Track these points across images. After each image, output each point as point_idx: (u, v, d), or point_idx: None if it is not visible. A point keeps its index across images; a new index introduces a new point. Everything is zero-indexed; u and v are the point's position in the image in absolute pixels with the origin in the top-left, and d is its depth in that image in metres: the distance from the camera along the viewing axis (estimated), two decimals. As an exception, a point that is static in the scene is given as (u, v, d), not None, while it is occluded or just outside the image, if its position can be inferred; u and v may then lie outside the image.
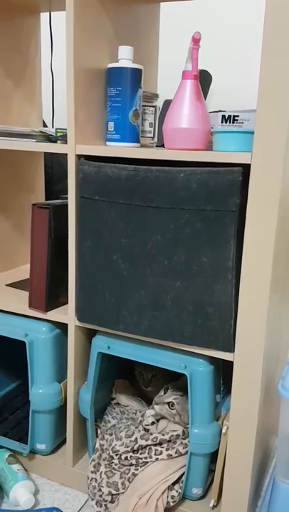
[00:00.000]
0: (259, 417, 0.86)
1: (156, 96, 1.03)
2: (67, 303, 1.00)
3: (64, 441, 1.11)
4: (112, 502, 0.96)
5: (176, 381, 1.04)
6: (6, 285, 1.18)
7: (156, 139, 1.06)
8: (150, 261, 0.85)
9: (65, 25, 0.86)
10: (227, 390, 0.98)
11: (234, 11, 1.56)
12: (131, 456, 0.98)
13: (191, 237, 0.81)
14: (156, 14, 1.15)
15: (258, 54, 0.72)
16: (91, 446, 1.05)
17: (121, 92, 0.91)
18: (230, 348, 0.85)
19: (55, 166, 1.50)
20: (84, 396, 1.03)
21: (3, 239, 1.27)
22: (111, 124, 0.94)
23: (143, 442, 0.98)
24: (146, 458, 0.98)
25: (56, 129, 0.98)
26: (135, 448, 0.98)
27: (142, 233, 0.85)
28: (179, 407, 0.99)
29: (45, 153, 1.40)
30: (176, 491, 0.96)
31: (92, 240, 0.91)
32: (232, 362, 0.85)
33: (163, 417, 1.04)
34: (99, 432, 1.06)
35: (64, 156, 0.93)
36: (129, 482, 0.97)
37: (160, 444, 0.99)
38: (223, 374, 0.96)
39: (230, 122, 0.93)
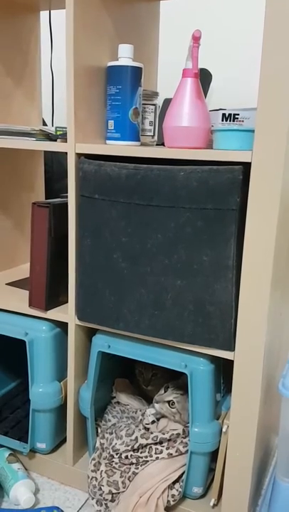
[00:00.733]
0: (259, 415, 0.86)
1: (156, 94, 1.03)
2: (67, 302, 1.00)
3: (64, 440, 1.11)
4: (112, 501, 0.96)
5: (177, 380, 1.04)
6: (6, 284, 1.17)
7: (156, 138, 1.05)
8: (150, 260, 0.85)
9: (64, 24, 0.85)
10: (227, 389, 0.98)
11: (234, 9, 1.55)
12: (131, 455, 0.98)
13: (192, 236, 0.81)
14: (157, 12, 1.15)
15: (259, 52, 0.72)
16: (91, 445, 1.05)
17: (121, 91, 0.91)
18: (230, 346, 0.85)
19: (55, 164, 1.50)
20: (84, 395, 1.03)
21: (3, 238, 1.27)
22: (111, 123, 0.94)
23: (143, 441, 0.98)
24: (146, 457, 0.98)
25: (56, 127, 0.98)
26: (135, 447, 0.98)
27: (142, 232, 0.85)
28: (179, 406, 0.99)
29: (45, 151, 1.39)
30: (177, 490, 0.96)
31: (93, 238, 0.90)
32: (232, 361, 0.85)
33: (163, 416, 1.04)
34: (99, 430, 1.06)
35: (64, 155, 0.92)
36: (130, 481, 0.97)
37: (160, 443, 0.99)
38: (224, 373, 0.96)
39: (230, 121, 0.92)
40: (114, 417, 1.09)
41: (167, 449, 0.98)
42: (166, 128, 0.88)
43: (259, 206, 0.76)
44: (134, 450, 0.99)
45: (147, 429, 1.02)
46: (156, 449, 0.99)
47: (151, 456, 0.98)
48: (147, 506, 0.93)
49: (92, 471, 1.00)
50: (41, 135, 0.99)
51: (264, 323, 0.81)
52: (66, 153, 0.91)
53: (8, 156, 1.24)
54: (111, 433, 1.03)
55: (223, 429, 0.91)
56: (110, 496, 0.96)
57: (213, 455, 0.95)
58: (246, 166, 0.77)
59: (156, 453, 0.98)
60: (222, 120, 0.93)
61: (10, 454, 1.08)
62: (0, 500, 1.02)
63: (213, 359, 0.91)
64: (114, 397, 1.14)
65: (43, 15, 1.29)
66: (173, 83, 0.94)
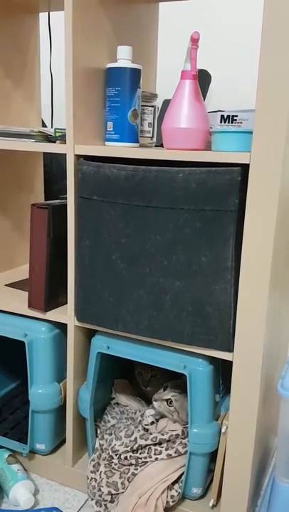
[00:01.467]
0: (258, 416, 0.86)
1: (155, 96, 1.03)
2: (66, 303, 1.00)
3: (63, 441, 1.11)
4: (111, 502, 0.96)
5: (176, 380, 1.04)
6: (6, 285, 1.18)
7: (155, 139, 1.06)
8: (149, 261, 0.85)
9: (63, 25, 0.85)
10: (226, 390, 0.98)
11: (233, 10, 1.56)
12: (130, 456, 0.98)
13: (190, 237, 0.81)
14: (155, 14, 1.15)
15: (257, 54, 0.72)
16: (91, 446, 1.05)
17: (120, 92, 0.91)
18: (229, 347, 0.85)
19: (54, 166, 1.50)
20: (83, 396, 1.03)
21: (3, 239, 1.27)
22: (110, 124, 0.94)
23: (142, 442, 0.98)
24: (145, 458, 0.98)
25: (55, 129, 0.98)
26: (135, 448, 0.98)
27: (141, 233, 0.85)
28: (177, 404, 1.00)
29: (44, 153, 1.40)
30: (176, 491, 0.96)
31: (92, 239, 0.91)
32: (231, 361, 0.85)
33: (162, 417, 1.04)
34: (98, 431, 1.06)
35: (63, 156, 0.93)
36: (129, 482, 0.97)
37: (160, 443, 0.99)
38: (223, 374, 0.96)
39: (229, 122, 0.93)
40: (113, 418, 1.09)
41: (166, 449, 0.98)
42: (165, 129, 0.88)
43: (257, 207, 0.77)
44: (133, 451, 0.99)
45: (146, 430, 1.02)
46: (156, 449, 0.99)
47: (150, 456, 0.98)
48: (146, 507, 0.93)
49: (92, 471, 1.00)
50: (40, 136, 1.00)
51: (263, 324, 0.81)
52: (65, 154, 0.92)
53: (8, 158, 1.24)
54: (110, 434, 1.03)
55: (222, 430, 0.91)
56: (110, 496, 0.96)
57: (213, 456, 0.95)
58: (245, 168, 0.77)
59: (155, 454, 0.98)
60: (220, 122, 0.93)
61: (9, 455, 1.08)
62: (0, 501, 1.03)
63: (212, 360, 0.91)
64: (114, 398, 1.14)
65: (42, 16, 1.29)
66: (172, 85, 0.94)
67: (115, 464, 0.99)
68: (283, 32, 0.70)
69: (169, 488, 0.96)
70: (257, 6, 1.50)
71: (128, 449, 0.98)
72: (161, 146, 0.92)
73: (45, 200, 1.41)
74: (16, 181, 1.28)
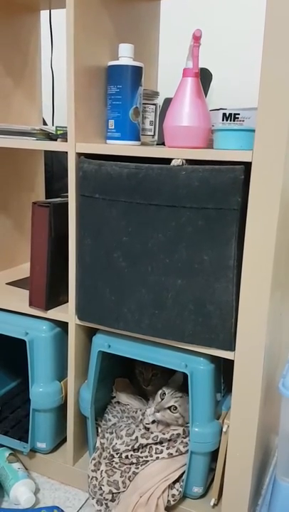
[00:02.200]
0: (260, 415, 0.86)
1: (156, 94, 1.03)
2: (67, 301, 1.00)
3: (64, 440, 1.11)
4: (112, 501, 0.96)
5: (170, 383, 1.02)
6: (7, 283, 1.17)
7: (156, 137, 1.05)
8: (151, 259, 0.85)
9: (65, 23, 0.85)
10: (228, 389, 0.98)
11: (235, 8, 1.55)
12: (131, 455, 0.98)
13: (193, 236, 0.81)
14: (157, 12, 1.15)
15: (259, 52, 0.72)
16: (91, 444, 1.05)
17: (121, 90, 0.91)
18: (230, 346, 0.85)
19: (55, 164, 1.50)
20: (84, 395, 1.03)
21: (4, 237, 1.27)
22: (111, 122, 0.94)
23: (144, 441, 0.98)
24: (146, 457, 0.98)
25: (56, 127, 0.98)
26: (136, 447, 0.98)
27: (143, 231, 0.85)
28: (181, 409, 0.99)
29: (45, 151, 1.39)
30: (177, 490, 0.96)
31: (93, 238, 0.90)
32: (233, 360, 0.85)
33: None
34: (99, 430, 1.06)
35: (64, 154, 0.92)
36: (130, 481, 0.97)
37: (161, 442, 0.99)
38: (224, 372, 0.96)
39: (231, 120, 0.92)
40: (114, 417, 1.09)
41: (167, 448, 0.98)
42: (167, 127, 0.88)
43: (259, 206, 0.76)
44: (134, 450, 0.99)
45: (147, 429, 1.02)
46: (157, 448, 0.99)
47: (151, 456, 0.98)
48: (147, 506, 0.93)
49: (93, 470, 1.00)
50: (41, 134, 0.99)
51: (264, 323, 0.81)
52: (66, 152, 0.91)
53: (9, 156, 1.24)
54: (111, 433, 1.03)
55: (224, 429, 0.91)
56: (110, 495, 0.96)
57: (214, 455, 0.95)
58: (247, 166, 0.77)
59: (156, 453, 0.98)
60: (222, 120, 0.93)
61: (10, 454, 1.08)
62: (0, 499, 1.02)
63: (214, 359, 0.91)
64: (115, 397, 1.14)
65: (44, 14, 1.29)
66: (173, 83, 0.94)
67: (116, 463, 0.99)
68: (286, 30, 0.69)
69: (170, 487, 0.96)
70: (259, 4, 1.49)
71: (129, 448, 0.98)
72: (163, 144, 0.92)
73: (46, 198, 1.41)
74: (16, 179, 1.28)
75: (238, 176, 0.76)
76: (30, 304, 1.02)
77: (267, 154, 0.74)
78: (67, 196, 0.95)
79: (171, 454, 0.98)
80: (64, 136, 0.95)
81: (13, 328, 1.04)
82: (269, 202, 0.76)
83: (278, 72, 0.71)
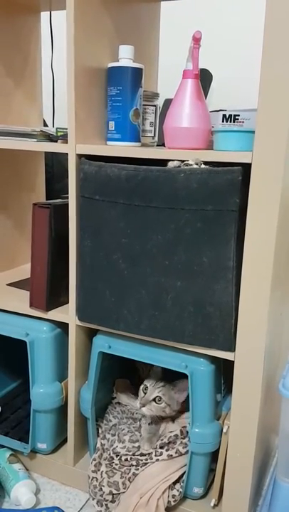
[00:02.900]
0: (260, 416, 0.86)
1: (156, 95, 1.03)
2: (67, 302, 1.00)
3: (65, 441, 1.11)
4: (112, 501, 0.96)
5: (149, 376, 1.02)
6: (7, 284, 1.18)
7: (156, 138, 1.06)
8: (150, 260, 0.85)
9: (65, 24, 0.85)
10: (228, 390, 0.98)
11: (235, 9, 1.55)
12: (131, 458, 0.98)
13: (192, 237, 0.81)
14: (157, 13, 1.15)
15: (259, 53, 0.72)
16: (92, 445, 1.05)
17: (121, 92, 0.91)
18: (230, 347, 0.85)
19: (55, 165, 1.50)
20: (85, 395, 1.03)
21: (4, 238, 1.27)
22: (112, 124, 0.94)
23: (145, 451, 0.99)
24: (146, 459, 0.98)
25: (57, 128, 0.98)
26: (137, 454, 0.98)
27: (142, 233, 0.85)
28: (166, 398, 0.98)
29: (45, 152, 1.40)
30: (177, 491, 0.96)
31: (93, 239, 0.90)
32: (233, 361, 0.85)
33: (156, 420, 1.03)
34: (100, 431, 1.06)
35: (64, 156, 0.93)
36: (130, 482, 0.97)
37: (160, 447, 0.99)
38: (224, 373, 0.96)
39: (230, 121, 0.92)
40: (114, 418, 1.09)
41: (167, 450, 0.98)
42: (167, 129, 0.88)
43: (259, 207, 0.76)
44: (134, 454, 0.99)
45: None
46: (156, 451, 0.99)
47: (151, 458, 0.98)
48: (148, 507, 0.93)
49: (93, 471, 1.00)
50: (42, 136, 1.00)
51: (264, 324, 0.81)
52: (67, 154, 0.92)
53: (9, 157, 1.24)
54: (113, 434, 1.03)
55: (224, 430, 0.91)
56: (111, 496, 0.96)
57: (214, 455, 0.95)
58: (247, 167, 0.77)
59: (156, 455, 0.98)
60: (222, 121, 0.93)
61: (11, 455, 1.08)
62: (1, 500, 1.03)
63: (214, 359, 0.91)
64: (115, 398, 1.14)
65: (44, 15, 1.29)
66: (173, 84, 0.94)
67: (116, 464, 0.99)
68: (286, 31, 0.69)
69: (171, 487, 0.96)
70: (258, 5, 1.50)
71: (130, 453, 0.98)
72: (163, 145, 0.92)
73: (47, 199, 1.41)
74: (17, 181, 1.28)
75: (236, 178, 0.76)
76: (31, 305, 1.03)
77: (267, 155, 0.74)
78: (67, 197, 0.95)
79: (171, 455, 0.98)
80: (64, 138, 0.95)
81: (14, 329, 1.04)
82: (269, 203, 0.76)
83: (278, 73, 0.71)
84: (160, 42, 1.19)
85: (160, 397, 0.98)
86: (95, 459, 1.02)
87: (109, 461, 1.00)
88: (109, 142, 0.95)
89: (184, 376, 0.92)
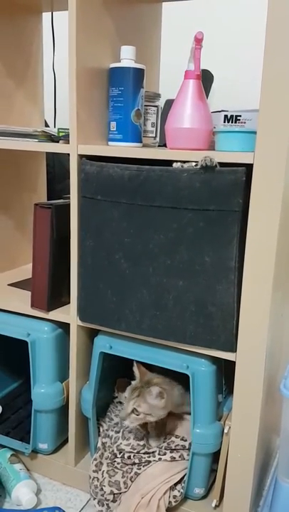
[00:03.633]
0: (261, 416, 0.86)
1: (158, 96, 1.03)
2: (69, 302, 1.00)
3: (66, 441, 1.11)
4: (113, 501, 0.96)
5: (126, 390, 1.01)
6: (8, 285, 1.18)
7: (158, 139, 1.06)
8: (152, 260, 0.85)
9: (67, 25, 0.86)
10: (229, 390, 0.98)
11: (236, 10, 1.55)
12: (134, 456, 0.98)
13: (194, 237, 0.81)
14: (158, 14, 1.15)
15: (261, 53, 0.72)
16: (93, 445, 1.05)
17: (123, 92, 0.91)
18: (232, 347, 0.85)
19: (56, 165, 1.50)
20: (86, 395, 1.03)
21: (5, 238, 1.27)
22: (113, 124, 0.94)
23: (150, 449, 0.99)
24: (149, 457, 0.98)
25: (58, 128, 0.98)
26: (142, 452, 0.98)
27: (144, 233, 0.85)
28: (142, 408, 0.95)
29: (46, 152, 1.40)
30: (179, 491, 0.96)
31: (94, 239, 0.91)
32: (234, 362, 0.85)
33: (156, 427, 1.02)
34: (101, 430, 1.06)
35: (66, 156, 0.93)
36: (132, 481, 0.97)
37: (165, 448, 0.99)
38: (225, 374, 0.96)
39: (232, 122, 0.93)
40: (116, 416, 1.09)
41: (171, 452, 0.99)
42: (168, 129, 0.88)
43: (261, 207, 0.76)
44: (138, 452, 0.99)
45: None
46: (160, 451, 0.99)
47: (154, 456, 0.98)
48: (149, 507, 0.93)
49: (94, 471, 1.00)
50: (43, 136, 1.00)
51: (266, 325, 0.81)
52: (68, 154, 0.92)
53: (11, 157, 1.25)
54: (118, 431, 1.03)
55: (225, 430, 0.91)
56: (112, 496, 0.96)
57: (215, 456, 0.95)
58: (248, 168, 0.77)
59: (159, 454, 0.98)
60: (224, 121, 0.93)
61: (12, 455, 1.08)
62: (2, 500, 1.03)
63: (215, 360, 0.91)
64: (116, 397, 1.14)
65: (46, 16, 1.29)
66: (175, 84, 0.94)
67: (118, 463, 0.99)
68: (287, 32, 0.70)
69: (172, 488, 0.96)
70: (260, 5, 1.50)
71: (134, 451, 0.98)
72: (165, 146, 0.92)
73: (48, 199, 1.41)
74: (18, 181, 1.28)
75: (240, 178, 0.76)
76: (32, 305, 1.03)
77: (268, 156, 0.74)
78: (69, 198, 0.95)
79: (174, 457, 0.98)
80: (66, 138, 0.96)
81: (15, 329, 1.04)
82: (270, 203, 0.76)
83: (280, 74, 0.71)
84: (162, 42, 1.19)
85: (135, 409, 0.95)
86: (96, 459, 1.02)
87: (111, 459, 1.00)
88: (110, 143, 0.96)
89: (179, 378, 0.92)
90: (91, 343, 1.03)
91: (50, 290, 1.00)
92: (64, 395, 1.05)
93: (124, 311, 0.90)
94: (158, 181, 0.81)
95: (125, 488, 0.96)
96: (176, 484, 0.97)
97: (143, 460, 0.98)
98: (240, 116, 0.92)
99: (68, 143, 0.92)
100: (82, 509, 1.02)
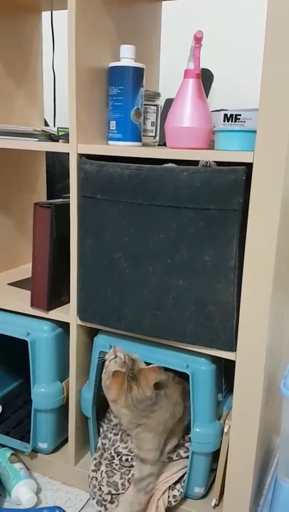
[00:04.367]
0: (261, 416, 0.86)
1: (158, 95, 1.03)
2: (69, 302, 1.00)
3: (66, 440, 1.11)
4: (111, 502, 0.96)
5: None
6: (8, 284, 1.18)
7: (158, 138, 1.06)
8: (152, 260, 0.85)
9: (66, 24, 0.85)
10: (229, 389, 0.98)
11: (236, 9, 1.55)
12: (132, 458, 0.98)
13: (194, 236, 0.81)
14: (158, 13, 1.15)
15: (260, 52, 0.72)
16: (93, 445, 1.05)
17: (123, 91, 0.91)
18: (232, 347, 0.85)
19: (56, 165, 1.50)
20: (86, 395, 1.03)
21: (5, 238, 1.27)
22: (113, 123, 0.94)
23: None
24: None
25: (58, 128, 0.98)
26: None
27: (144, 232, 0.85)
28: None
29: (46, 152, 1.40)
30: (178, 491, 0.96)
31: (94, 238, 0.91)
32: (234, 361, 0.85)
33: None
34: (101, 430, 1.06)
35: (66, 155, 0.93)
36: (129, 483, 0.97)
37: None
38: (225, 373, 0.96)
39: (232, 121, 0.92)
40: (115, 417, 1.09)
41: (168, 453, 0.98)
42: (168, 128, 0.88)
43: (261, 207, 0.76)
44: (135, 455, 0.99)
45: None
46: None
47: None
48: (148, 507, 0.93)
49: (93, 470, 1.00)
50: (43, 136, 1.00)
51: (266, 324, 0.81)
52: (68, 153, 0.92)
53: (10, 157, 1.24)
54: (116, 434, 1.03)
55: (225, 430, 0.91)
56: (110, 496, 0.96)
57: (215, 455, 0.95)
58: (248, 167, 0.77)
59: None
60: (224, 121, 0.93)
61: (12, 454, 1.08)
62: (2, 500, 1.03)
63: (215, 359, 0.91)
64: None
65: (45, 15, 1.29)
66: (175, 83, 0.94)
67: (116, 465, 0.99)
68: (287, 31, 0.69)
69: (171, 488, 0.96)
70: (260, 5, 1.49)
71: (131, 454, 0.98)
72: (164, 145, 0.92)
73: (48, 199, 1.41)
74: (18, 180, 1.28)
75: (240, 177, 0.76)
76: (32, 305, 1.03)
77: (268, 155, 0.74)
78: (68, 197, 0.95)
79: (172, 458, 0.98)
80: (65, 137, 0.95)
81: (15, 329, 1.04)
82: (270, 203, 0.76)
83: (279, 73, 0.71)
84: (161, 41, 1.19)
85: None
86: (95, 459, 1.02)
87: (109, 460, 1.00)
88: (110, 142, 0.95)
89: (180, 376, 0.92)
90: (91, 343, 1.03)
91: (50, 289, 0.99)
92: (64, 394, 1.05)
93: (124, 310, 0.90)
94: (158, 180, 0.81)
95: (123, 489, 0.96)
96: (175, 484, 0.97)
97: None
98: (240, 115, 0.92)
99: (68, 142, 0.91)
100: (82, 508, 1.02)
